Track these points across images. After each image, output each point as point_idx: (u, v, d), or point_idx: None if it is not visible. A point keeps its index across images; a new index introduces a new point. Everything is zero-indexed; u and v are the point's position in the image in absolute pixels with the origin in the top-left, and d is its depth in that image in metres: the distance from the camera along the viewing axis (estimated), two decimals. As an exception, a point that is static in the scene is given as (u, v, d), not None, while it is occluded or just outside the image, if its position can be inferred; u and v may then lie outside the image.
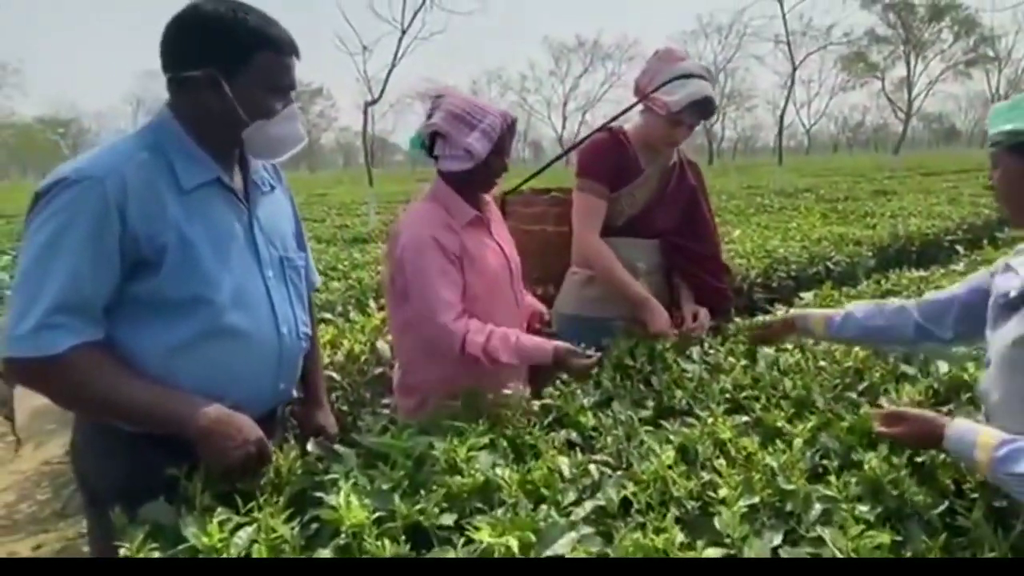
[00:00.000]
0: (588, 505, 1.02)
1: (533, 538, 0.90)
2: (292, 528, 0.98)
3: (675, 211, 2.03)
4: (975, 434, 0.97)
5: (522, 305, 1.79)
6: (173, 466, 1.09)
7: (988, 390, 1.04)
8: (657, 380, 1.55)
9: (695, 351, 1.74)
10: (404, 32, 11.78)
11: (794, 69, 18.28)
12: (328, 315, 2.66)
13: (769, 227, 4.95)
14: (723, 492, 1.00)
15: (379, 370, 2.14)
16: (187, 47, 1.11)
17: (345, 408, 2.09)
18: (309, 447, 1.26)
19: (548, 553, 0.89)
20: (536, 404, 1.46)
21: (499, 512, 0.98)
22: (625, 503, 1.03)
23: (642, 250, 2.01)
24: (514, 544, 0.86)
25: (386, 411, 1.99)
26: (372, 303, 2.94)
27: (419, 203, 1.68)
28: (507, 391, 1.44)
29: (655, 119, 1.91)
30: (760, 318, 1.88)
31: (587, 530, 0.95)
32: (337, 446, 1.25)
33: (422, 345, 1.63)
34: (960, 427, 1.00)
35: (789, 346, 1.78)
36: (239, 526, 0.99)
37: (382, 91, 11.60)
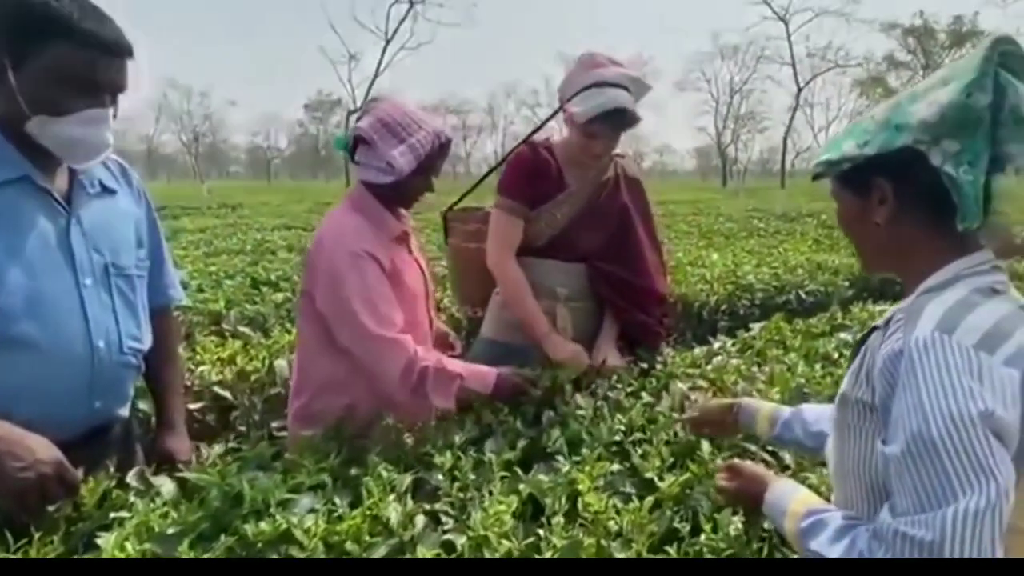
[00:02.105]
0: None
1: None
2: None
3: (601, 232, 1.86)
4: (788, 500, 0.85)
5: (433, 328, 1.68)
6: None
7: (828, 456, 0.91)
8: (546, 417, 1.43)
9: (603, 385, 1.62)
10: (388, 41, 11.85)
11: (799, 90, 18.14)
12: (246, 329, 2.56)
13: (753, 252, 4.80)
14: (548, 555, 0.88)
15: (275, 391, 2.03)
16: None
17: (244, 428, 1.98)
18: (128, 478, 1.15)
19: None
20: (408, 438, 1.35)
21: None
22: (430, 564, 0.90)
23: (564, 274, 1.85)
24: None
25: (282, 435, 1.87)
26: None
27: (340, 212, 1.53)
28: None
29: (572, 132, 1.79)
30: (696, 401, 1.48)
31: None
32: (157, 478, 1.14)
33: (343, 369, 1.47)
34: (778, 490, 0.88)
35: (703, 383, 1.65)
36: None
37: (364, 99, 11.66)
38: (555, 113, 1.85)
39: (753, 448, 1.31)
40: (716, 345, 2.09)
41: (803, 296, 3.37)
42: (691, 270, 3.70)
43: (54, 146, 1.07)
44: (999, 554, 0.66)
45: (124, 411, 1.27)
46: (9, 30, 1.00)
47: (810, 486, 1.03)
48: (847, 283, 3.58)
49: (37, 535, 0.93)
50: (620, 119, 1.72)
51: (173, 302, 1.42)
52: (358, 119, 1.51)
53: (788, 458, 1.28)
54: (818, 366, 1.85)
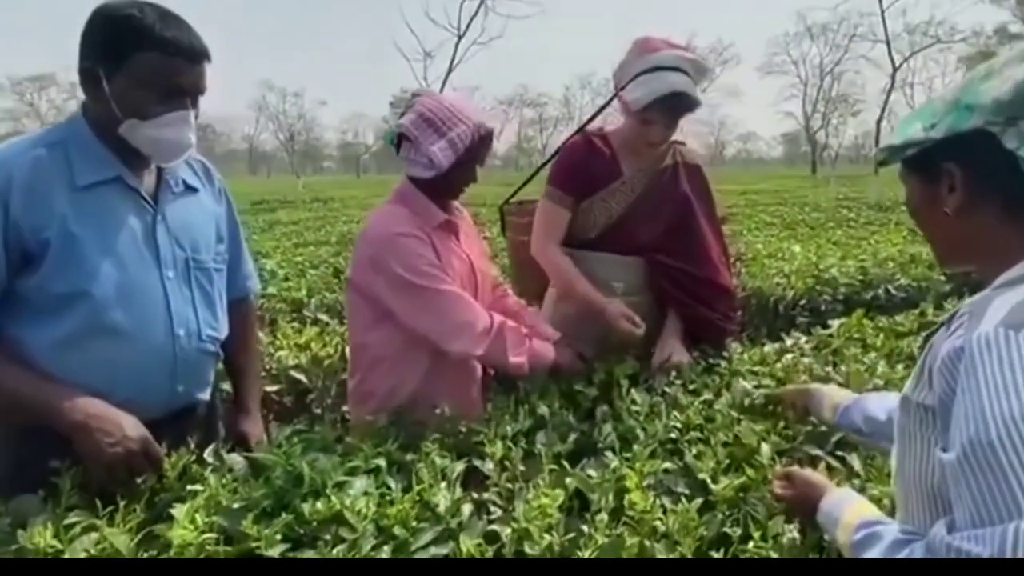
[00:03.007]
0: (433, 551, 0.93)
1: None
2: (132, 540, 0.95)
3: (660, 223, 1.80)
4: (841, 510, 0.80)
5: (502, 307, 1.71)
6: (59, 459, 1.09)
7: (892, 464, 0.85)
8: (600, 411, 1.42)
9: (661, 381, 1.58)
10: (461, 37, 11.98)
11: (894, 70, 16.77)
12: (325, 316, 2.68)
13: (839, 243, 4.53)
14: (584, 554, 0.87)
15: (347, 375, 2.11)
16: (83, 44, 1.12)
17: (319, 411, 2.08)
18: (205, 455, 1.24)
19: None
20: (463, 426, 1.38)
21: (331, 549, 0.91)
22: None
23: (620, 267, 1.81)
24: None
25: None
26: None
27: (385, 205, 1.63)
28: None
29: (628, 119, 1.74)
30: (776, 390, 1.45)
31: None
32: (231, 456, 1.22)
33: (388, 349, 1.57)
34: (833, 499, 0.83)
35: (769, 381, 1.58)
36: (86, 530, 0.98)
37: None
38: (609, 101, 1.81)
39: (820, 453, 1.24)
40: (789, 342, 1.99)
41: (892, 291, 3.14)
42: (769, 263, 3.54)
43: (143, 147, 1.17)
44: None
45: (205, 395, 1.37)
46: (101, 43, 1.10)
47: (871, 497, 0.97)
48: (943, 277, 3.31)
49: (123, 503, 1.03)
50: (677, 104, 1.66)
51: (251, 293, 1.52)
52: (401, 115, 1.55)
53: (857, 465, 1.21)
54: (900, 367, 1.72)
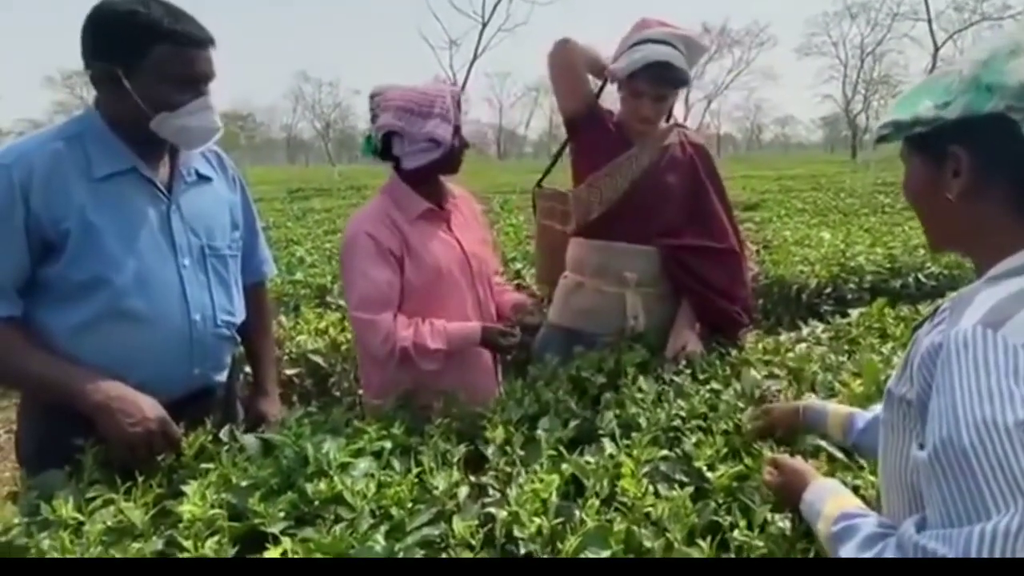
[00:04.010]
0: (426, 531, 0.95)
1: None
2: (147, 514, 1.01)
3: (672, 204, 1.79)
4: (823, 502, 0.79)
5: (487, 305, 1.71)
6: (83, 438, 1.15)
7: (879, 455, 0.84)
8: (605, 399, 1.43)
9: (669, 369, 1.58)
10: (485, 24, 11.92)
11: (936, 49, 16.07)
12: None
13: (872, 230, 4.41)
14: (571, 541, 0.89)
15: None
16: (91, 44, 1.16)
17: (338, 394, 2.14)
18: (221, 435, 1.30)
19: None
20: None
21: (335, 527, 0.94)
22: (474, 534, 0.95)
23: (633, 258, 1.79)
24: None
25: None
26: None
27: (370, 200, 1.66)
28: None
29: (621, 93, 1.75)
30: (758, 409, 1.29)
31: (413, 554, 0.89)
32: (245, 436, 1.27)
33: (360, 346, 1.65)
34: (816, 490, 0.82)
35: (779, 371, 1.56)
36: (106, 503, 1.04)
37: (464, 84, 11.87)
38: (605, 80, 1.80)
39: (822, 443, 1.23)
40: (805, 331, 1.96)
41: (923, 280, 3.06)
42: (795, 250, 3.47)
43: (174, 137, 1.22)
44: None
45: (222, 377, 1.42)
46: (114, 43, 1.14)
47: (857, 486, 0.96)
48: (976, 273, 3.20)
49: (141, 479, 1.08)
50: (663, 74, 1.66)
51: (266, 278, 1.57)
52: (373, 120, 1.56)
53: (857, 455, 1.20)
54: (918, 358, 1.69)
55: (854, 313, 2.14)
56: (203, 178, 1.36)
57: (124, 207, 1.21)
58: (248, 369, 1.84)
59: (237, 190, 1.46)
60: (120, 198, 1.21)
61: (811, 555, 0.90)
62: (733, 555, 0.89)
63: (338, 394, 2.19)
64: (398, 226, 1.55)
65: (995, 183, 0.70)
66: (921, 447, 0.66)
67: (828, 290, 2.98)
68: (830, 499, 0.80)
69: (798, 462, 0.96)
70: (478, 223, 1.77)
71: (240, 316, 1.42)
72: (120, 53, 1.14)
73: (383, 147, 1.58)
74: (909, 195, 0.80)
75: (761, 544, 0.89)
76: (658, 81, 1.68)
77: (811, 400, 1.17)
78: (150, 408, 1.17)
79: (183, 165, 1.32)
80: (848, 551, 0.71)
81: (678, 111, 1.97)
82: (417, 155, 1.55)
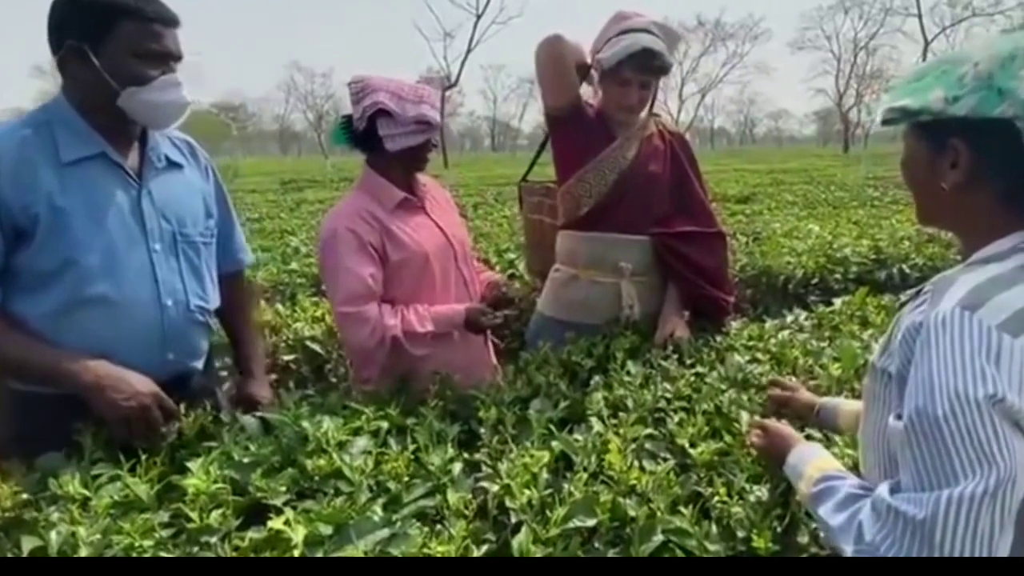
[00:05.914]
0: (421, 503, 1.00)
1: (328, 531, 0.89)
2: (153, 489, 1.05)
3: (660, 191, 1.83)
4: (805, 464, 0.84)
5: (472, 284, 1.76)
6: (79, 421, 1.16)
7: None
8: (594, 381, 1.48)
9: (657, 354, 1.63)
10: (479, 16, 11.90)
11: (926, 44, 16.17)
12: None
13: (859, 223, 4.48)
14: (559, 511, 0.94)
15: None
16: (58, 25, 1.18)
17: (334, 380, 2.18)
18: (222, 415, 1.34)
19: (344, 549, 0.88)
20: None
21: (335, 500, 0.99)
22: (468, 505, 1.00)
23: (627, 248, 1.83)
24: (300, 535, 0.87)
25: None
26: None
27: (344, 197, 1.69)
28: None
29: (604, 84, 1.79)
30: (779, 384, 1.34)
31: (407, 530, 0.94)
32: (245, 416, 1.31)
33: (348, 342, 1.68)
34: (799, 453, 0.88)
35: (762, 356, 1.62)
36: (111, 480, 1.08)
37: (458, 76, 11.86)
38: (588, 69, 1.83)
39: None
40: (788, 319, 2.02)
41: (907, 271, 3.12)
42: (783, 242, 3.53)
43: (142, 113, 1.23)
44: (1002, 544, 0.63)
45: (198, 363, 1.43)
46: (80, 20, 1.16)
47: (845, 457, 1.01)
48: (959, 257, 3.26)
49: (144, 456, 1.12)
50: (649, 62, 1.71)
51: (244, 266, 1.59)
52: (356, 102, 1.58)
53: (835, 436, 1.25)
54: (897, 344, 1.75)
55: (837, 302, 2.20)
56: (173, 164, 1.36)
57: (93, 191, 1.21)
58: (228, 360, 1.86)
59: (210, 179, 1.47)
60: (89, 182, 1.21)
61: (786, 521, 0.96)
62: (714, 521, 0.94)
63: (335, 380, 2.23)
64: (377, 219, 1.58)
65: (990, 181, 0.73)
66: (898, 417, 0.72)
67: (814, 280, 3.04)
68: (812, 461, 0.85)
69: (783, 426, 1.01)
70: (451, 207, 1.82)
71: (214, 303, 1.43)
72: (87, 29, 1.15)
73: (366, 129, 1.58)
74: (905, 173, 0.83)
75: (740, 510, 0.94)
76: (644, 69, 1.73)
77: (825, 399, 1.21)
78: (141, 383, 1.19)
79: (152, 151, 1.32)
80: (826, 510, 0.77)
81: (672, 105, 2.02)
82: (404, 136, 1.57)
